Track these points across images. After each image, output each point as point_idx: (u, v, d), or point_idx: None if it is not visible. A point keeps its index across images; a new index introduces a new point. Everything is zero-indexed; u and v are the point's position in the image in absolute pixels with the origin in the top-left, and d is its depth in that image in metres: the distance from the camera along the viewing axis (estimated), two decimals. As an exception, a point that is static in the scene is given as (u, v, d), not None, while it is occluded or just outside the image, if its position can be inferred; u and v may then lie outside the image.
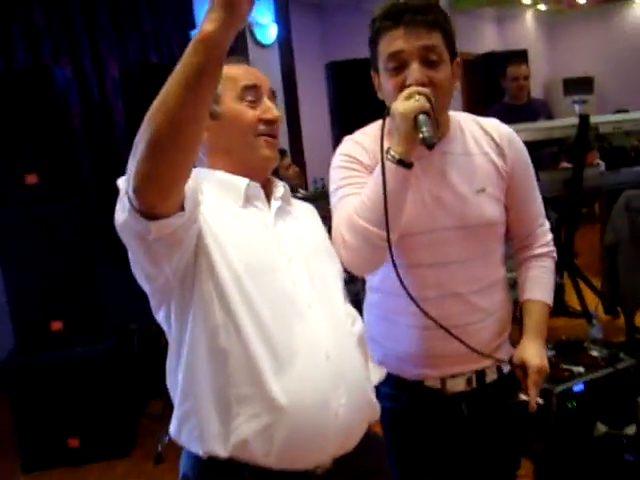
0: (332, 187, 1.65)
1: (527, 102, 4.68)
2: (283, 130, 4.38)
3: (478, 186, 1.62)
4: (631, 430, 2.96)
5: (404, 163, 1.44)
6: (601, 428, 2.94)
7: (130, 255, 1.27)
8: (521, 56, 5.46)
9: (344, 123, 4.11)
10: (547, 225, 1.77)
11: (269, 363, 1.26)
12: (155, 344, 4.24)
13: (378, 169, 1.45)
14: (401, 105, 1.43)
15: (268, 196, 1.46)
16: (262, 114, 1.43)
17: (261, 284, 1.30)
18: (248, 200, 1.40)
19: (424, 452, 1.73)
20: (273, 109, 1.45)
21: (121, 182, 1.18)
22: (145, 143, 1.07)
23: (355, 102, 4.68)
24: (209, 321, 1.27)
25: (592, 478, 2.60)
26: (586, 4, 10.62)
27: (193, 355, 1.29)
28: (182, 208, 1.17)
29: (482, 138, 1.67)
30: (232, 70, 1.44)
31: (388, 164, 1.44)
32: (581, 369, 3.00)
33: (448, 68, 1.55)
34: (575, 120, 4.04)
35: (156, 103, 1.07)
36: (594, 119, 4.08)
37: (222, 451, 1.27)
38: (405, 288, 1.45)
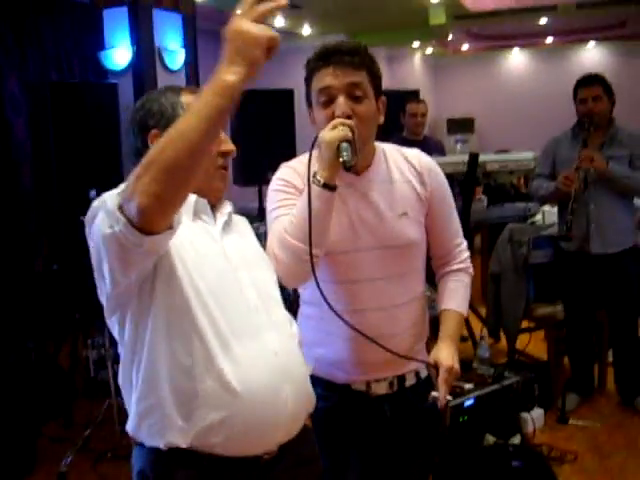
0: (269, 208, 1.81)
1: (423, 138, 4.99)
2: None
3: (400, 210, 1.82)
4: (516, 440, 3.25)
5: (328, 186, 1.62)
6: (489, 439, 3.21)
7: (97, 262, 1.33)
8: (416, 95, 5.80)
9: (245, 145, 4.25)
10: (464, 244, 1.98)
11: (226, 361, 1.38)
12: (52, 364, 4.18)
13: (305, 192, 1.62)
14: (327, 134, 1.60)
15: (214, 211, 1.57)
16: (219, 147, 1.53)
17: (214, 289, 1.42)
18: (196, 214, 1.51)
19: (350, 448, 1.89)
20: (228, 142, 1.56)
21: (109, 198, 1.26)
22: (160, 167, 1.18)
23: (257, 128, 4.85)
24: (167, 323, 1.37)
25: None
26: (468, 50, 11.39)
27: (152, 355, 1.37)
28: (170, 225, 1.28)
29: (405, 167, 1.86)
30: (194, 99, 1.50)
31: (314, 187, 1.61)
32: (471, 386, 3.24)
33: (372, 103, 1.75)
34: (465, 157, 4.39)
35: (174, 133, 1.20)
36: (482, 157, 4.46)
37: (182, 442, 1.37)
38: (328, 303, 1.61)
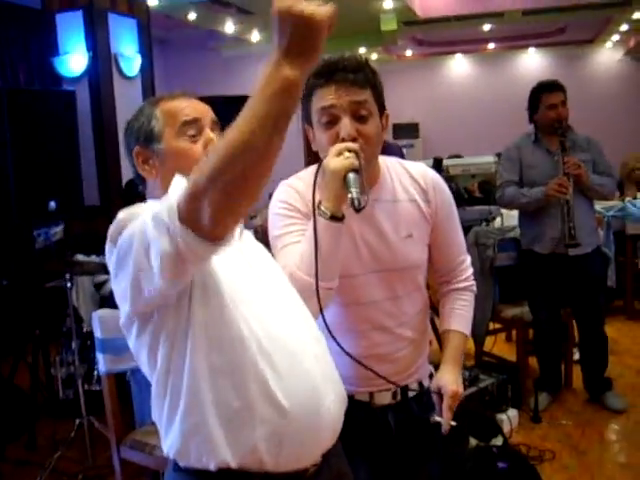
0: (273, 234, 1.73)
1: (384, 144, 4.97)
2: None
3: (405, 232, 1.76)
4: (498, 441, 3.27)
5: (336, 218, 1.53)
6: (472, 441, 3.22)
7: (131, 280, 1.25)
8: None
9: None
10: (468, 261, 1.93)
11: (270, 371, 1.32)
12: (9, 384, 4.00)
13: (316, 225, 1.53)
14: (332, 162, 1.50)
15: None
16: (205, 147, 1.44)
17: (248, 298, 1.37)
18: None
19: (355, 457, 1.84)
20: (215, 140, 1.44)
21: (161, 212, 1.17)
22: (230, 181, 1.09)
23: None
24: (207, 337, 1.31)
25: (473, 487, 2.83)
26: (413, 56, 11.53)
27: (193, 372, 1.31)
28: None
29: (409, 184, 1.80)
30: (172, 105, 1.47)
31: (321, 220, 1.54)
32: (449, 389, 3.25)
33: (377, 121, 1.67)
34: (429, 162, 4.43)
35: (241, 143, 1.08)
36: (445, 162, 4.50)
37: (232, 462, 1.30)
38: (327, 326, 1.54)
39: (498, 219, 5.20)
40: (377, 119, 1.67)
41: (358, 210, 1.44)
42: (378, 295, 1.76)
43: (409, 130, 11.54)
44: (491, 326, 4.43)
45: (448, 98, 11.73)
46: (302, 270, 1.55)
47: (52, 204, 4.10)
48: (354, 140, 1.59)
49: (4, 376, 4.00)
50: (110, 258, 1.31)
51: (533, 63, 11.42)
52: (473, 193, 6.86)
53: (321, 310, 1.52)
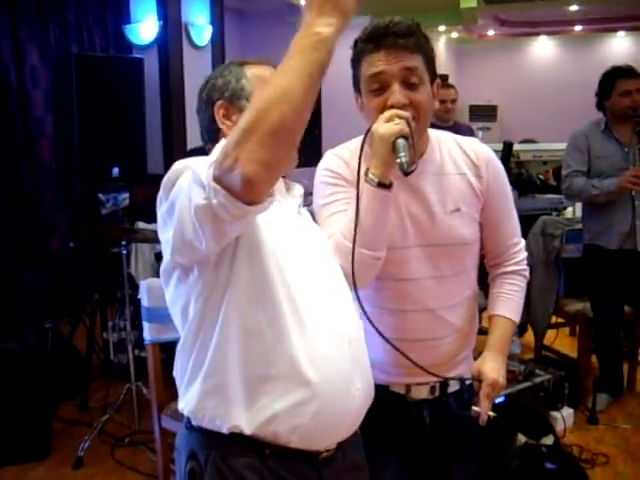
0: (318, 203, 1.68)
1: (453, 125, 4.83)
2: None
3: (453, 206, 1.67)
4: (549, 440, 3.14)
5: (384, 185, 1.49)
6: (521, 438, 3.10)
7: (181, 231, 1.25)
8: (445, 80, 5.65)
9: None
10: (522, 244, 1.82)
11: (301, 344, 1.31)
12: (67, 345, 4.10)
13: (359, 190, 1.49)
14: (381, 127, 1.46)
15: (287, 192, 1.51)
16: None
17: (294, 268, 1.35)
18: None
19: (389, 451, 1.78)
20: None
21: (199, 169, 1.18)
22: (265, 131, 1.10)
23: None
24: (247, 297, 1.30)
25: (517, 486, 2.72)
26: (494, 36, 11.17)
27: (224, 331, 1.30)
28: (271, 192, 1.21)
29: (460, 158, 1.71)
30: (260, 71, 1.48)
31: (368, 187, 1.49)
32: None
33: (428, 89, 1.59)
34: (498, 146, 4.25)
35: (275, 94, 1.12)
36: (516, 147, 4.32)
37: (247, 428, 1.30)
38: (361, 305, 1.49)
39: (569, 209, 4.98)
40: (428, 87, 1.59)
41: (407, 173, 1.41)
42: (421, 272, 1.67)
43: (486, 112, 11.21)
44: (554, 319, 4.27)
45: (529, 81, 11.33)
46: (349, 239, 1.50)
47: (115, 170, 4.15)
48: (404, 107, 1.52)
49: (63, 336, 4.11)
50: (160, 207, 1.32)
51: (622, 48, 10.86)
52: (547, 181, 6.60)
53: (355, 285, 1.46)
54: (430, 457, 1.82)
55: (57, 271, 5.13)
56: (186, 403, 1.38)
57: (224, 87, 1.47)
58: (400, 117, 1.48)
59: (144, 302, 2.69)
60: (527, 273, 1.82)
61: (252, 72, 1.47)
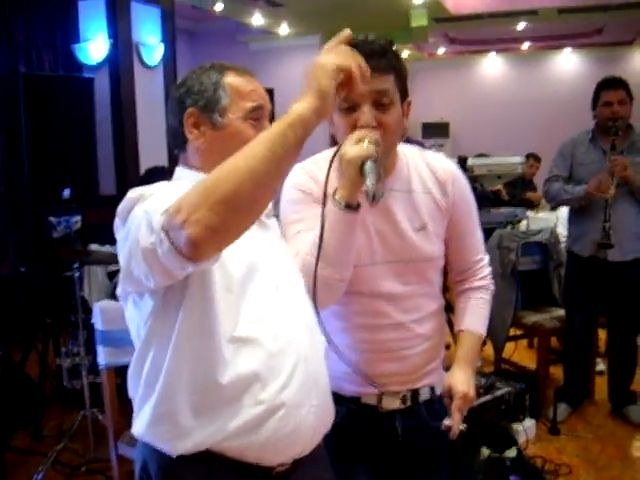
0: (285, 220, 1.66)
1: (406, 141, 4.83)
2: (163, 150, 4.32)
3: (419, 223, 1.68)
4: (512, 453, 3.14)
5: (351, 207, 1.47)
6: (485, 452, 3.10)
7: (126, 257, 1.23)
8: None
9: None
10: (486, 260, 1.84)
11: (255, 362, 1.29)
12: (19, 372, 3.96)
13: (326, 211, 1.47)
14: (350, 150, 1.44)
15: None
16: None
17: (247, 283, 1.33)
18: None
19: (359, 464, 1.76)
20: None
21: (153, 211, 1.15)
22: (220, 199, 1.08)
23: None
24: (198, 323, 1.27)
25: (482, 500, 2.71)
26: (445, 54, 11.36)
27: (175, 355, 1.27)
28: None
29: (427, 175, 1.71)
30: (241, 82, 1.43)
31: (335, 210, 1.47)
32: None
33: (398, 109, 1.58)
34: (453, 161, 4.28)
35: (238, 164, 1.11)
36: (470, 161, 4.37)
37: (197, 448, 1.28)
38: (321, 322, 1.48)
39: (524, 222, 5.05)
40: (398, 107, 1.58)
41: (373, 201, 1.38)
42: (389, 287, 1.68)
43: (439, 129, 11.37)
44: (512, 332, 4.30)
45: (480, 98, 11.53)
46: (314, 259, 1.47)
47: (66, 192, 4.05)
48: (373, 129, 1.51)
49: (15, 363, 3.97)
50: (117, 234, 1.30)
51: (569, 64, 11.15)
52: (500, 195, 6.70)
53: (315, 302, 1.45)
54: (401, 470, 1.81)
55: (7, 296, 4.98)
56: (136, 427, 1.36)
57: (199, 94, 1.41)
58: (369, 139, 1.45)
59: (98, 325, 2.61)
60: (492, 287, 1.84)
61: (231, 83, 1.42)
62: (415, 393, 1.76)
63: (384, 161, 1.53)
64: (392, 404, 1.74)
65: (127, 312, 1.37)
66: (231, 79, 1.42)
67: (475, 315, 1.79)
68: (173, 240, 1.10)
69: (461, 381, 1.66)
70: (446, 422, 1.61)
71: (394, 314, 1.69)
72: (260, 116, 1.42)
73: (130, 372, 1.37)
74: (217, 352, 1.27)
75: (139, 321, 1.33)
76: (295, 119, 1.16)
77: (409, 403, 1.76)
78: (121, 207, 1.27)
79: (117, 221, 1.28)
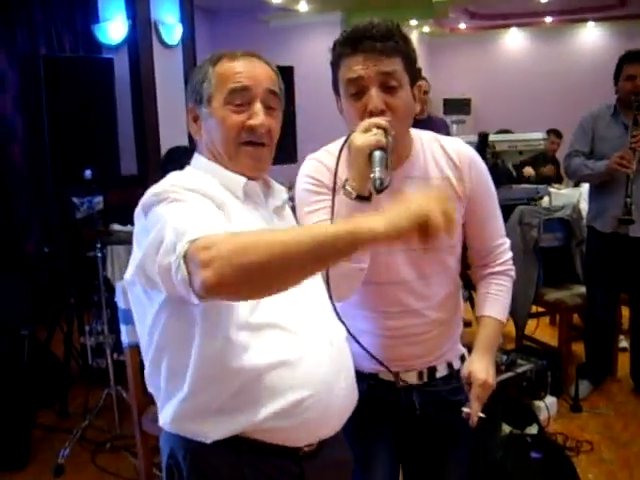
0: (301, 211, 1.66)
1: (427, 118, 4.81)
2: (183, 130, 4.31)
3: None
4: (533, 429, 3.14)
5: (362, 197, 1.46)
6: (506, 428, 3.10)
7: (145, 264, 1.23)
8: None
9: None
10: (507, 244, 1.82)
11: (286, 348, 1.29)
12: (45, 351, 4.03)
13: (338, 202, 1.47)
14: (358, 139, 1.43)
15: (266, 196, 1.47)
16: (247, 120, 1.38)
17: None
18: (247, 196, 1.40)
19: (378, 438, 1.78)
20: (259, 114, 1.38)
21: (181, 236, 1.13)
22: (244, 262, 1.06)
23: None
24: (224, 310, 1.26)
25: (503, 476, 2.72)
26: (466, 30, 11.21)
27: (205, 347, 1.27)
28: None
29: (443, 160, 1.70)
30: (228, 67, 1.39)
31: (347, 200, 1.46)
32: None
33: (408, 92, 1.56)
34: (474, 137, 4.24)
35: (279, 241, 1.08)
36: (491, 137, 4.31)
37: (228, 434, 1.28)
38: (335, 310, 1.48)
39: (546, 198, 5.00)
40: (408, 90, 1.56)
41: (378, 191, 1.35)
42: (405, 275, 1.68)
43: (460, 105, 11.23)
44: (534, 309, 4.28)
45: (502, 73, 11.38)
46: None
47: (87, 173, 4.08)
48: (382, 112, 1.50)
49: (40, 343, 4.04)
50: (137, 221, 1.29)
51: (592, 38, 10.96)
52: (524, 176, 6.56)
53: (330, 295, 1.45)
54: (422, 444, 1.83)
55: (32, 276, 5.05)
56: (164, 420, 1.36)
57: (192, 88, 1.43)
58: (378, 127, 1.44)
59: (121, 304, 2.64)
60: (513, 273, 1.83)
61: (220, 71, 1.39)
62: (432, 369, 1.78)
63: (396, 146, 1.50)
64: (409, 379, 1.76)
65: (133, 297, 1.37)
66: (221, 67, 1.39)
67: (496, 302, 1.77)
68: (190, 271, 1.09)
69: (480, 369, 1.66)
70: (465, 409, 1.62)
71: (410, 301, 1.70)
72: (247, 99, 1.38)
73: (148, 368, 1.37)
74: (242, 338, 1.26)
75: (149, 310, 1.32)
76: (362, 234, 1.09)
77: (426, 379, 1.78)
78: (144, 200, 1.27)
79: (139, 210, 1.28)
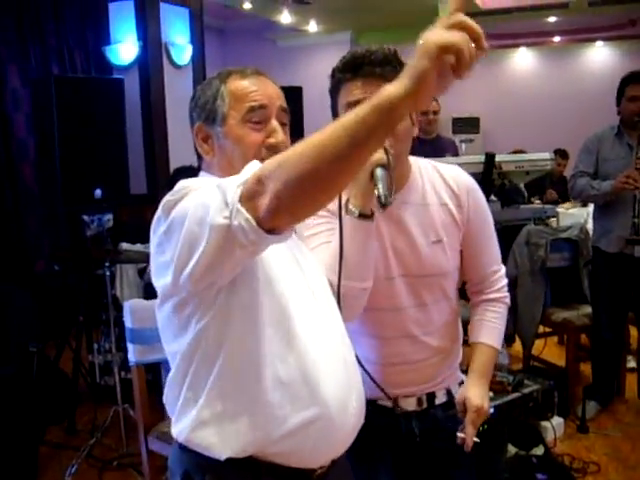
0: (302, 234, 1.64)
1: (436, 137, 4.84)
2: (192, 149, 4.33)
3: (435, 237, 1.69)
4: (539, 451, 3.13)
5: (365, 215, 1.48)
6: (511, 449, 3.09)
7: (185, 251, 1.17)
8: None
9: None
10: (502, 271, 1.83)
11: (302, 367, 1.29)
12: (53, 368, 4.06)
13: (342, 223, 1.48)
14: None
15: None
16: (266, 138, 1.38)
17: (292, 291, 1.33)
18: None
19: (378, 465, 1.78)
20: (278, 132, 1.39)
21: (228, 188, 1.12)
22: (294, 176, 1.05)
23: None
24: (244, 329, 1.27)
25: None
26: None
27: (222, 363, 1.26)
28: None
29: (441, 188, 1.72)
30: (240, 86, 1.39)
31: (350, 218, 1.48)
32: (490, 394, 3.13)
33: (406, 117, 1.57)
34: (481, 157, 4.26)
35: (317, 143, 1.05)
36: (498, 157, 4.33)
37: (244, 452, 1.28)
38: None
39: (553, 219, 5.00)
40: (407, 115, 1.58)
41: (384, 206, 1.37)
42: (404, 301, 1.70)
43: (469, 124, 11.27)
44: (541, 329, 4.27)
45: (511, 92, 11.40)
46: (334, 271, 1.48)
47: (98, 192, 4.13)
48: None
49: (49, 359, 4.06)
50: (157, 228, 1.25)
51: (601, 58, 10.96)
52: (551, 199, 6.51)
53: (341, 308, 1.46)
54: (421, 470, 1.83)
55: (42, 294, 5.09)
56: (179, 431, 1.34)
57: (202, 107, 1.41)
58: None
59: (128, 323, 2.67)
60: (508, 300, 1.84)
61: (231, 89, 1.39)
62: (431, 396, 1.78)
63: (395, 170, 1.51)
64: (408, 406, 1.77)
65: (161, 317, 1.35)
66: (232, 84, 1.39)
67: (491, 329, 1.78)
68: (249, 210, 1.08)
69: (475, 395, 1.67)
70: (460, 434, 1.64)
71: (407, 327, 1.71)
72: (264, 116, 1.38)
73: (170, 379, 1.36)
74: (265, 356, 1.27)
75: (179, 330, 1.30)
76: (381, 102, 1.03)
77: (425, 405, 1.78)
78: (166, 199, 1.23)
79: (159, 213, 1.24)
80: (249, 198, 1.08)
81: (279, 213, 1.08)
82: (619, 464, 3.29)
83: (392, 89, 1.03)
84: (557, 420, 3.54)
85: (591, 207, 4.89)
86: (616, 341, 3.83)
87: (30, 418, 3.52)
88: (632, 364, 4.23)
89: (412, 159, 1.72)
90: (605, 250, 3.69)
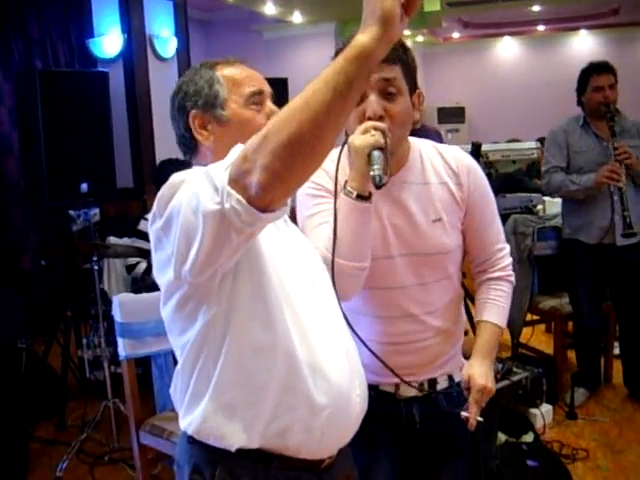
0: (302, 214, 1.68)
1: (421, 127, 4.82)
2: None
3: (434, 215, 1.69)
4: (529, 438, 3.16)
5: (362, 197, 1.49)
6: (501, 437, 3.12)
7: (178, 243, 1.18)
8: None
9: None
10: (507, 249, 1.84)
11: (308, 356, 1.30)
12: (42, 364, 4.04)
13: (339, 203, 1.49)
14: (357, 140, 1.46)
15: None
16: (268, 118, 1.37)
17: (293, 280, 1.34)
18: None
19: (379, 449, 1.79)
20: (277, 112, 1.39)
21: (214, 173, 1.12)
22: (281, 142, 1.05)
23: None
24: (249, 319, 1.27)
25: (500, 484, 2.73)
26: (459, 39, 11.28)
27: (230, 352, 1.27)
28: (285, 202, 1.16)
29: (441, 167, 1.73)
30: (234, 72, 1.43)
31: (347, 199, 1.49)
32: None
33: (407, 100, 1.60)
34: (467, 147, 4.29)
35: (298, 104, 1.06)
36: (485, 147, 4.36)
37: (255, 443, 1.28)
38: (343, 312, 1.48)
39: (540, 207, 5.03)
40: (407, 97, 1.60)
41: (378, 187, 1.39)
42: (405, 280, 1.70)
43: (455, 114, 11.32)
44: (529, 317, 4.30)
45: (496, 82, 11.46)
46: (331, 251, 1.49)
47: (84, 186, 4.10)
48: (380, 118, 1.53)
49: (38, 355, 4.04)
50: (153, 224, 1.25)
51: (584, 46, 11.03)
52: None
53: (336, 293, 1.46)
54: (421, 455, 1.84)
55: (29, 290, 5.06)
56: (189, 423, 1.34)
57: (196, 95, 1.41)
58: (376, 129, 1.47)
59: (117, 318, 2.65)
60: (513, 278, 1.84)
61: (225, 74, 1.42)
62: (433, 381, 1.79)
63: (394, 152, 1.54)
64: (410, 391, 1.77)
65: (166, 311, 1.35)
66: (224, 71, 1.42)
67: (495, 307, 1.78)
68: (242, 190, 1.08)
69: (480, 373, 1.66)
70: (464, 413, 1.63)
71: (408, 306, 1.71)
72: (261, 100, 1.42)
73: (178, 371, 1.36)
74: (271, 345, 1.28)
75: (185, 323, 1.31)
76: (357, 52, 1.06)
77: (426, 391, 1.79)
78: (160, 194, 1.23)
79: (155, 210, 1.24)
80: (238, 178, 1.08)
81: (270, 186, 1.07)
82: (607, 449, 3.33)
83: (364, 38, 1.07)
84: (546, 407, 3.57)
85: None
86: (597, 328, 3.85)
87: (19, 415, 3.50)
88: (618, 350, 4.27)
89: (412, 140, 1.73)
90: (585, 242, 3.71)
